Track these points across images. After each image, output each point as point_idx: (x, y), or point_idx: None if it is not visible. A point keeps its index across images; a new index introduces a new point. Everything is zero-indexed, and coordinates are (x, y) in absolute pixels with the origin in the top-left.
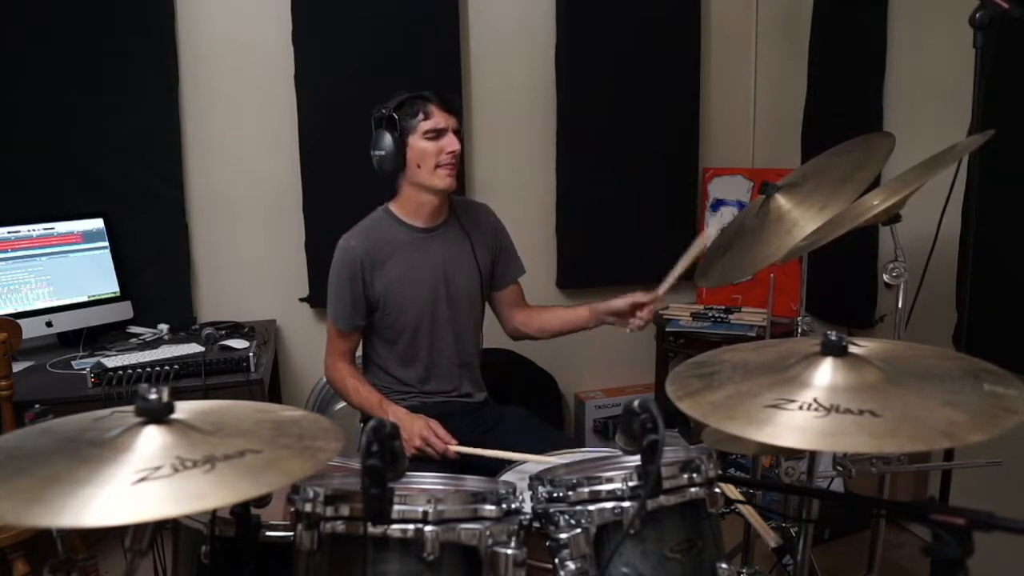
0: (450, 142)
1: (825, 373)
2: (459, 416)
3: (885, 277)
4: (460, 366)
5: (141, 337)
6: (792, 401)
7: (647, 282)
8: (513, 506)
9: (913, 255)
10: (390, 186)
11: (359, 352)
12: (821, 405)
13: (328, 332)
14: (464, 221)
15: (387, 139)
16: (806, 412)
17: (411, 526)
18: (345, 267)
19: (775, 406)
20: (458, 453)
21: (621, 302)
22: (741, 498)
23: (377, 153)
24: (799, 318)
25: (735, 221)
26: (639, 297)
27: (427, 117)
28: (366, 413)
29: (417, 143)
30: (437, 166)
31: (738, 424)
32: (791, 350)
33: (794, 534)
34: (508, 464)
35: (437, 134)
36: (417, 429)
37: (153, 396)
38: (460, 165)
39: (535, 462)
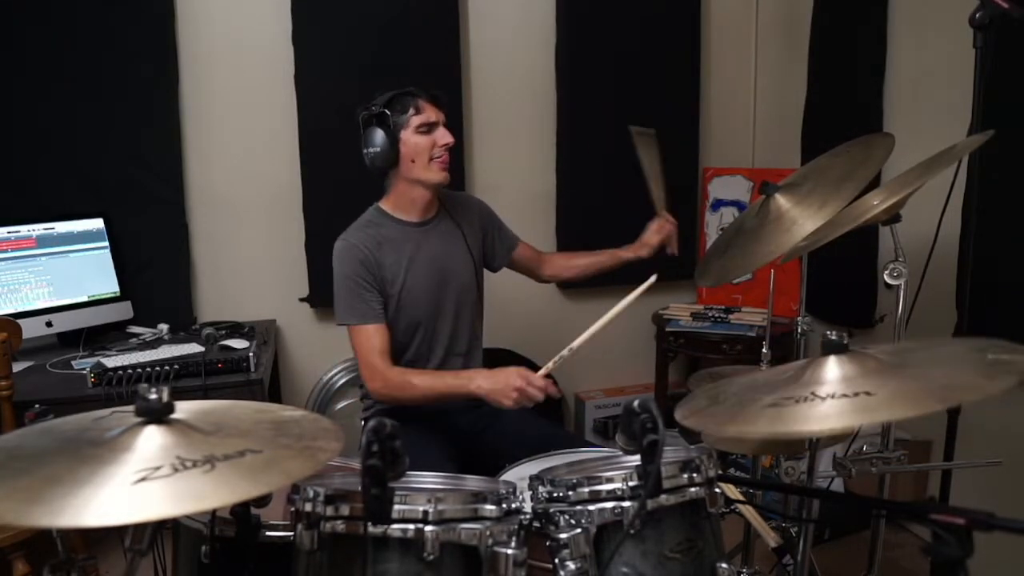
0: (442, 135)
1: (826, 370)
2: (458, 412)
3: (885, 277)
4: (459, 355)
5: (141, 337)
6: (790, 398)
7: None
8: (513, 506)
9: (913, 255)
10: (381, 185)
11: (352, 355)
12: (817, 396)
13: (360, 340)
14: (454, 212)
15: (379, 136)
16: (803, 404)
17: (411, 526)
18: (354, 264)
19: (775, 405)
20: (546, 379)
21: (648, 251)
22: (741, 498)
23: (371, 150)
24: (799, 318)
25: (735, 221)
26: (661, 237)
27: (418, 112)
28: (448, 398)
29: (410, 138)
30: (431, 159)
31: (737, 424)
32: (798, 362)
33: (794, 534)
34: (508, 464)
35: (429, 128)
36: (509, 382)
37: (153, 396)
38: (458, 163)
39: (623, 308)
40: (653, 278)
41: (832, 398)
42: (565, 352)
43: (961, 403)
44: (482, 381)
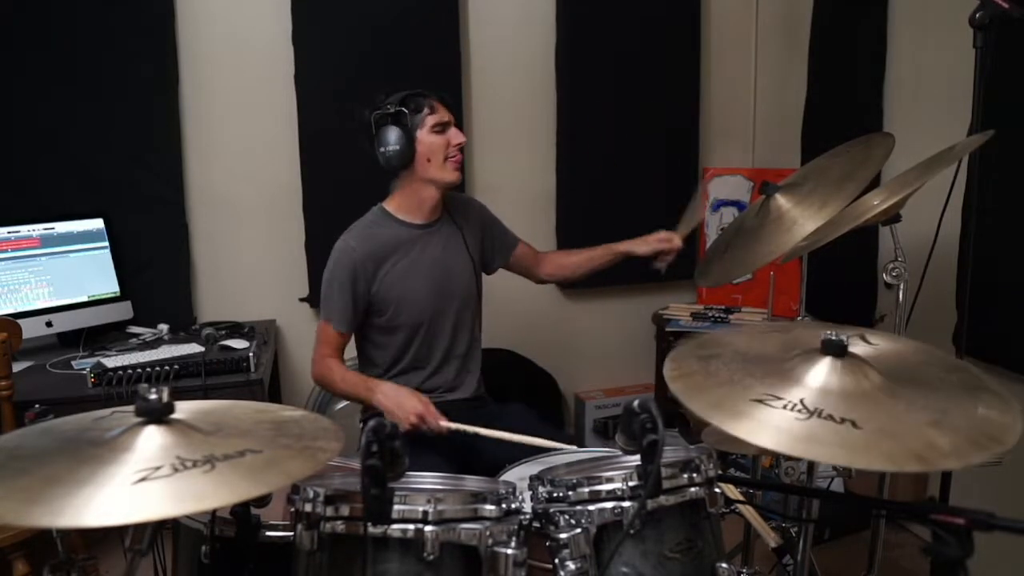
0: (456, 134)
1: (820, 373)
2: (459, 412)
3: (885, 277)
4: (458, 357)
5: (141, 337)
6: (779, 398)
7: (647, 282)
8: (513, 506)
9: (913, 255)
10: (382, 185)
11: (353, 353)
12: (806, 407)
13: (321, 332)
14: (455, 215)
15: (396, 135)
16: (788, 412)
17: (411, 526)
18: (346, 268)
19: (761, 401)
20: (450, 429)
21: (645, 249)
22: (741, 498)
23: (390, 148)
24: (799, 318)
25: (735, 221)
26: (662, 247)
27: (432, 111)
28: (355, 399)
29: (425, 137)
30: (446, 159)
31: (719, 415)
32: (796, 340)
33: (794, 534)
34: (508, 464)
35: (443, 127)
36: (410, 406)
37: (153, 396)
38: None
39: (529, 444)
40: (570, 448)
41: (818, 416)
42: (470, 429)
43: (939, 469)
44: (381, 396)
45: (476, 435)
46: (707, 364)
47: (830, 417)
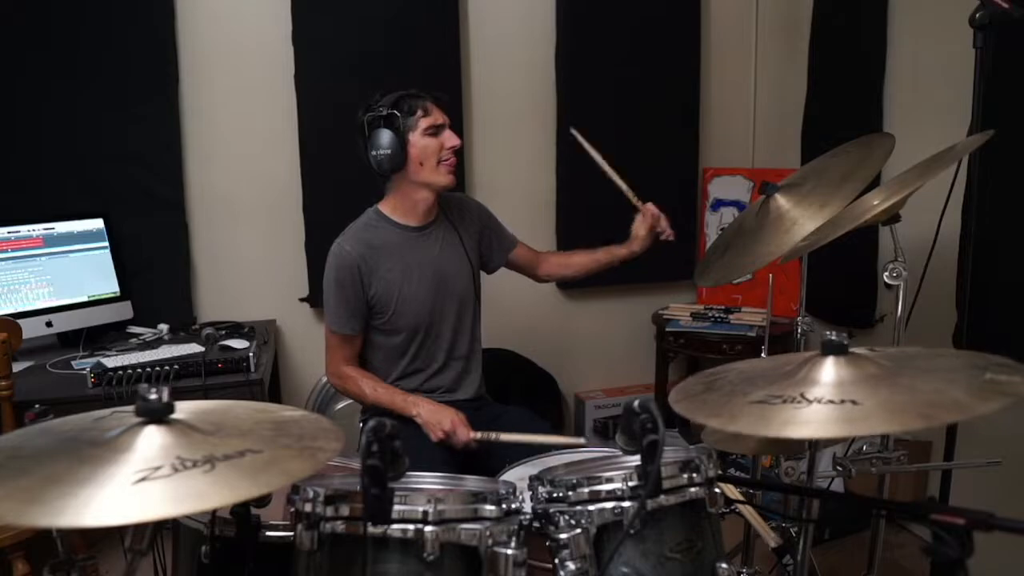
0: (450, 137)
1: (823, 371)
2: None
3: (885, 277)
4: (459, 359)
5: (141, 337)
6: (778, 397)
7: (648, 282)
8: (513, 506)
9: (913, 255)
10: (381, 186)
11: None
12: (804, 398)
13: (328, 338)
14: (452, 216)
15: (387, 138)
16: (787, 405)
17: (411, 526)
18: (342, 272)
19: (761, 402)
20: (476, 440)
21: (639, 246)
22: (741, 498)
23: (382, 152)
24: (799, 318)
25: (735, 221)
26: (647, 226)
27: (426, 114)
28: (388, 410)
29: (419, 140)
30: (439, 162)
31: (722, 419)
32: (799, 356)
33: (794, 534)
34: (508, 464)
35: (436, 130)
36: (444, 425)
37: (153, 396)
38: (458, 163)
39: (550, 445)
40: (582, 440)
41: (818, 403)
42: (492, 435)
43: (944, 423)
44: (422, 410)
45: (499, 440)
46: (711, 384)
47: (830, 402)
